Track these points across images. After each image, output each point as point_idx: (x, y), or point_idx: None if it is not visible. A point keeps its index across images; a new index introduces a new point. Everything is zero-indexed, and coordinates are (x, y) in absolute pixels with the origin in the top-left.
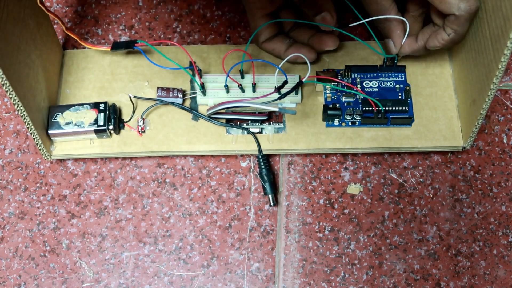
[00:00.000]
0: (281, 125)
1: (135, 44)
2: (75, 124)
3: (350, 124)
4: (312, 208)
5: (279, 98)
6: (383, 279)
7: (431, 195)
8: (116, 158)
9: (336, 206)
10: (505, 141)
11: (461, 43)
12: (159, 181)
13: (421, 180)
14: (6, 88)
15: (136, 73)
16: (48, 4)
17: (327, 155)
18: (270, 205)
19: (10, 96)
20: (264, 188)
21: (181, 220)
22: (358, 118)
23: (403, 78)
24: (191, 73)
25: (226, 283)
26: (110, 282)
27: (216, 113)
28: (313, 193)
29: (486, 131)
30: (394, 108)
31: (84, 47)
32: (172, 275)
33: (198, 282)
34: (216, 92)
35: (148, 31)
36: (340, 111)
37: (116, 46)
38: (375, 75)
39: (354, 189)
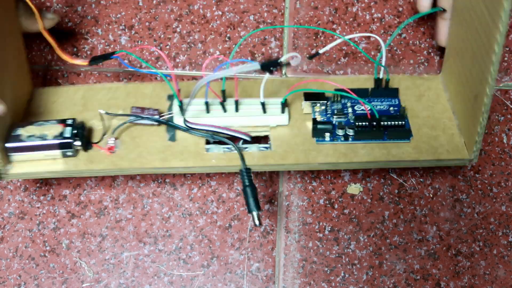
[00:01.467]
0: (267, 145)
1: (114, 54)
2: (38, 137)
3: (343, 139)
4: (312, 208)
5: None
6: (383, 279)
7: (431, 195)
8: None
9: (336, 206)
10: (505, 141)
11: (452, 71)
12: (159, 181)
13: (421, 180)
14: None
15: (110, 105)
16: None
17: None
18: (255, 225)
19: None
20: (248, 205)
21: (181, 220)
22: (351, 132)
23: (397, 102)
24: (170, 82)
25: (226, 283)
26: (110, 282)
27: (196, 127)
28: (313, 193)
29: (486, 131)
30: (390, 122)
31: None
32: (172, 275)
33: (198, 282)
34: (195, 112)
35: (148, 31)
36: (331, 125)
37: (94, 60)
38: (367, 100)
39: (354, 189)
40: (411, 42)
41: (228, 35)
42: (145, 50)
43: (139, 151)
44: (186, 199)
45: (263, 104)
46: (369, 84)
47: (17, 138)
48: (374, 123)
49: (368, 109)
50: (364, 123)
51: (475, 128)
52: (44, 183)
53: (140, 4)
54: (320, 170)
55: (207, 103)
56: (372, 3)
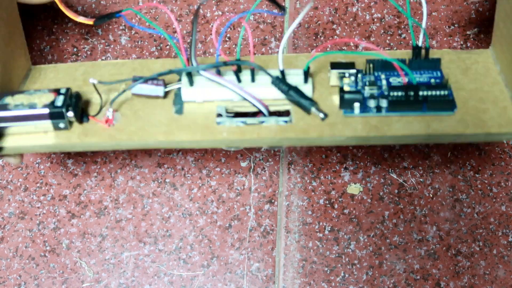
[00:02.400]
0: (287, 118)
1: (120, 13)
2: (27, 106)
3: (375, 111)
4: (312, 208)
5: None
6: (383, 279)
7: (431, 195)
8: (116, 158)
9: (336, 206)
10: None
11: (508, 50)
12: (159, 181)
13: (421, 180)
14: None
15: (113, 79)
16: (48, 4)
17: (327, 155)
18: (322, 119)
19: None
20: (302, 106)
21: (181, 220)
22: (384, 104)
23: (439, 74)
24: (176, 44)
25: (226, 283)
26: (110, 282)
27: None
28: (313, 193)
29: None
30: (430, 92)
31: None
32: (172, 275)
33: (198, 282)
34: (206, 82)
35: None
36: (361, 94)
37: (100, 18)
38: (404, 72)
39: (354, 189)
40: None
41: (228, 35)
42: (152, 9)
43: (141, 124)
44: (186, 199)
45: (282, 73)
46: (406, 57)
47: (4, 107)
48: (412, 92)
49: (404, 73)
50: (399, 93)
51: None
52: (44, 183)
53: (140, 4)
54: (321, 167)
55: (219, 71)
56: (372, 3)
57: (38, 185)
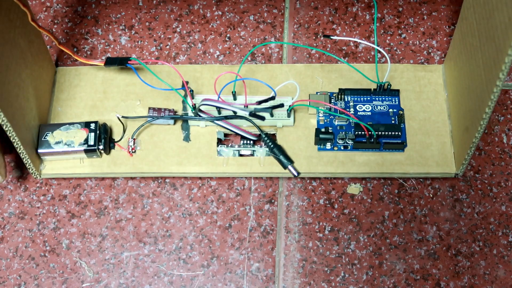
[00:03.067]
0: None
1: (128, 62)
2: (65, 144)
3: (342, 148)
4: (312, 208)
5: (270, 112)
6: (383, 279)
7: (431, 195)
8: None
9: (336, 206)
10: (505, 141)
11: (456, 68)
12: (159, 181)
13: (421, 180)
14: None
15: (128, 91)
16: (48, 4)
17: None
18: (294, 176)
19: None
20: (281, 162)
21: (181, 220)
22: (350, 142)
23: (397, 102)
24: (183, 94)
25: (226, 283)
26: (110, 282)
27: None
28: (313, 193)
29: (486, 131)
30: (386, 133)
31: (76, 61)
32: (172, 275)
33: (198, 282)
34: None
35: (148, 31)
36: (332, 135)
37: (110, 62)
38: (368, 98)
39: (354, 189)
40: (411, 42)
41: (228, 35)
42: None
43: (157, 153)
44: (186, 199)
45: (271, 112)
46: (373, 85)
47: (47, 144)
48: (372, 138)
49: (366, 128)
50: (363, 137)
51: (465, 149)
52: (44, 183)
53: (140, 4)
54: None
55: (218, 108)
56: (372, 3)
57: (38, 185)
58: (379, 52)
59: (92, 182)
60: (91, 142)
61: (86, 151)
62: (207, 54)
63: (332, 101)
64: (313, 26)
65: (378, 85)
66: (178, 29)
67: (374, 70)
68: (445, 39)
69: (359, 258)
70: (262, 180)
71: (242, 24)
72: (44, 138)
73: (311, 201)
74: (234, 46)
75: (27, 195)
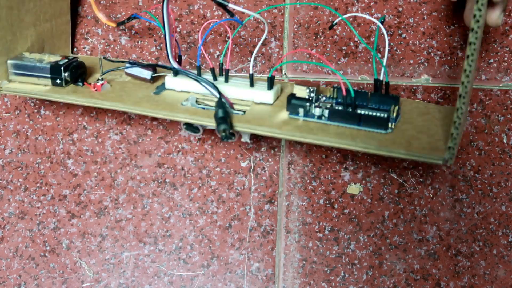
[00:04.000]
0: (242, 112)
1: (137, 15)
2: (36, 59)
3: (316, 118)
4: (312, 208)
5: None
6: (383, 279)
7: (431, 195)
8: (116, 158)
9: (336, 206)
10: (505, 141)
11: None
12: (159, 181)
13: (421, 180)
14: None
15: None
16: None
17: (327, 155)
18: (222, 138)
19: None
20: (216, 119)
21: (181, 220)
22: (326, 113)
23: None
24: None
25: (226, 283)
26: (110, 282)
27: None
28: (313, 193)
29: (486, 131)
30: (368, 112)
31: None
32: (172, 275)
33: (198, 282)
34: (187, 78)
35: (148, 31)
36: (308, 102)
37: (121, 23)
38: (364, 103)
39: (354, 189)
40: (411, 42)
41: (228, 35)
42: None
43: (120, 94)
44: (186, 199)
45: (251, 76)
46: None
47: (19, 57)
48: (351, 107)
49: (343, 82)
50: (341, 107)
51: (453, 119)
52: (44, 183)
53: (140, 4)
54: (321, 167)
55: (199, 67)
56: (372, 3)
57: (38, 185)
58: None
59: (92, 182)
60: (60, 63)
61: (51, 69)
62: (207, 54)
63: (322, 94)
64: (313, 26)
65: (376, 82)
66: (178, 29)
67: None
68: (445, 39)
69: (359, 258)
70: (262, 180)
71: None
72: (21, 54)
73: (311, 201)
74: (234, 46)
75: (27, 195)
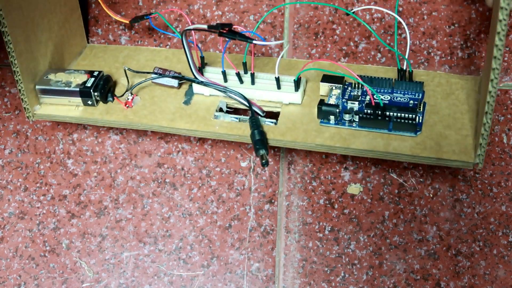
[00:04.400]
0: (274, 120)
1: (148, 15)
2: (64, 83)
3: (347, 124)
4: (312, 208)
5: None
6: (383, 279)
7: (431, 195)
8: (116, 158)
9: (336, 206)
10: (505, 141)
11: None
12: (159, 181)
13: (421, 180)
14: (4, 29)
15: (146, 66)
16: None
17: (327, 155)
18: (262, 164)
19: (7, 39)
20: (255, 147)
21: (181, 220)
22: (356, 118)
23: (420, 96)
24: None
25: (226, 283)
26: (110, 282)
27: (209, 83)
28: (313, 193)
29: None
30: (399, 114)
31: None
32: (172, 275)
33: (198, 282)
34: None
35: (148, 31)
36: (337, 108)
37: (134, 20)
38: (389, 90)
39: (354, 189)
40: (411, 42)
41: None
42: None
43: (152, 109)
44: (186, 199)
45: (277, 80)
46: (392, 75)
47: (46, 82)
48: (379, 111)
49: (371, 94)
50: (370, 111)
51: (479, 130)
52: (44, 183)
53: (140, 4)
54: (321, 167)
55: (224, 72)
56: (372, 3)
57: (38, 185)
58: (400, 25)
59: (92, 182)
60: (89, 84)
61: (81, 92)
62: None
63: (349, 88)
64: (313, 26)
65: (399, 72)
66: (178, 29)
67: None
68: (445, 39)
69: (359, 258)
70: (262, 180)
71: (242, 24)
72: (46, 77)
73: (311, 201)
74: (234, 46)
75: (27, 195)
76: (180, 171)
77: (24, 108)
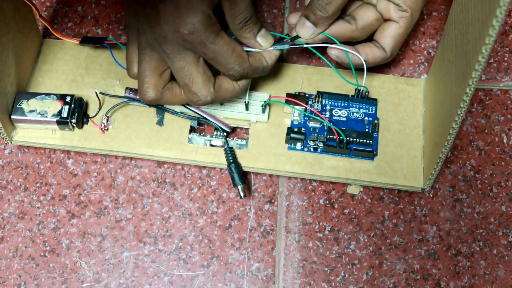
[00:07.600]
0: (244, 142)
1: (105, 41)
2: (39, 113)
3: (312, 150)
4: (312, 208)
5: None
6: (383, 279)
7: (431, 195)
8: (116, 158)
9: (336, 206)
10: (505, 141)
11: (435, 84)
12: (159, 181)
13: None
14: None
15: (110, 70)
16: (48, 4)
17: None
18: (240, 197)
19: None
20: (233, 180)
21: (181, 220)
22: (320, 145)
23: (374, 111)
24: None
25: (226, 283)
26: (110, 282)
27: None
28: (313, 193)
29: (486, 131)
30: (358, 140)
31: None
32: (172, 275)
33: (198, 282)
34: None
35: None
36: (303, 135)
37: (85, 41)
38: (345, 104)
39: (354, 189)
40: (411, 42)
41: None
42: None
43: (129, 133)
44: (186, 199)
45: (246, 105)
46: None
47: (21, 111)
48: (342, 143)
49: (336, 131)
50: (333, 141)
51: (433, 164)
52: (44, 183)
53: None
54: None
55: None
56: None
57: (38, 185)
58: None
59: (92, 182)
60: (64, 114)
61: (58, 122)
62: None
63: (309, 103)
64: None
65: (356, 90)
66: None
67: (357, 78)
68: None
69: (359, 258)
70: (262, 180)
71: None
72: (19, 105)
73: (311, 201)
74: None
75: (27, 195)
76: (180, 171)
77: (1, 135)
